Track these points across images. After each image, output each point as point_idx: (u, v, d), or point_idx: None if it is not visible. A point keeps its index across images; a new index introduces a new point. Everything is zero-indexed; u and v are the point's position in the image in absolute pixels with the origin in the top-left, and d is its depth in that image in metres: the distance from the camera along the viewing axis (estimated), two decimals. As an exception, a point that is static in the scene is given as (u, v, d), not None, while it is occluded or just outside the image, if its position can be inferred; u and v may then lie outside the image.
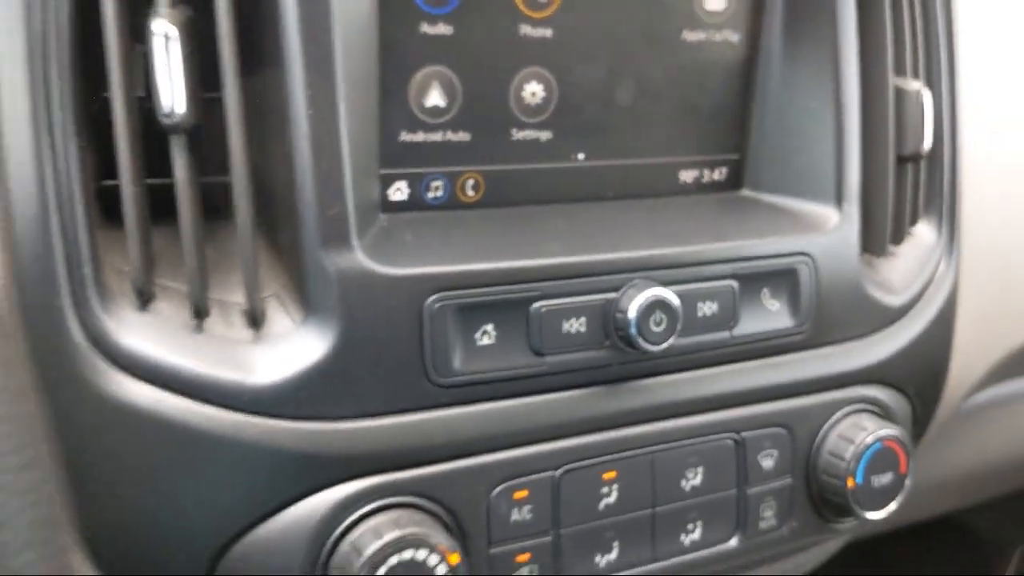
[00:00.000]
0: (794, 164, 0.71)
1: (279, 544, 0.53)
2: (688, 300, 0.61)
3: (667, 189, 0.70)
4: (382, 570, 0.52)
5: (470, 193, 0.63)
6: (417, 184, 0.61)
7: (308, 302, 0.53)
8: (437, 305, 0.55)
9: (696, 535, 0.65)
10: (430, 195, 0.62)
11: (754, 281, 0.65)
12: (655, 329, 0.58)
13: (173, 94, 0.49)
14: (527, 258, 0.58)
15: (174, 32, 0.49)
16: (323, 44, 0.52)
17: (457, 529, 0.57)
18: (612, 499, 0.62)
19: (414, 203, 0.61)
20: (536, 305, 0.57)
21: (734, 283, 0.63)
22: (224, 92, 0.51)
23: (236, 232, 0.52)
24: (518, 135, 0.63)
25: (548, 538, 0.60)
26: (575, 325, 0.58)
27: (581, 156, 0.66)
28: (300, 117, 0.52)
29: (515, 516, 0.59)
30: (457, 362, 0.56)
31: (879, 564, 1.43)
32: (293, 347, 0.53)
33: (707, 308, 0.62)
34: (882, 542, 1.19)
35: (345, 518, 0.54)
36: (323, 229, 0.52)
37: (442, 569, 0.54)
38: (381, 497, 0.55)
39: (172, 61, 0.49)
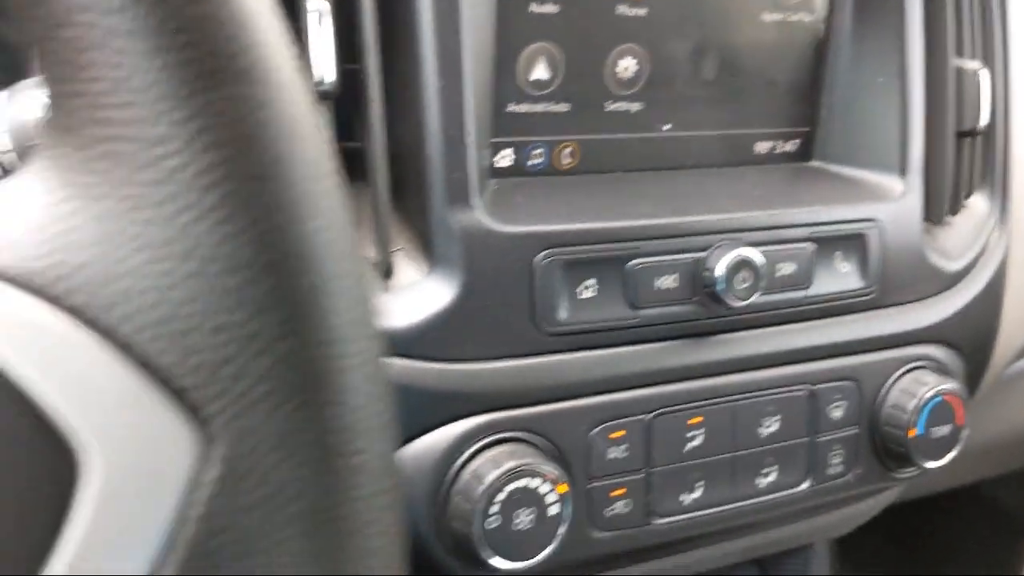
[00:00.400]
0: (861, 137, 0.76)
1: (408, 473, 0.59)
2: (769, 260, 0.66)
3: (743, 159, 0.75)
4: (500, 496, 0.58)
5: (566, 161, 0.68)
6: (520, 152, 0.67)
7: (434, 256, 0.59)
8: (546, 261, 0.60)
9: (771, 478, 0.71)
10: (531, 162, 0.67)
11: (827, 244, 0.70)
12: (740, 286, 0.64)
13: (324, 65, 0.55)
14: (624, 219, 0.63)
15: (326, 7, 0.54)
16: (452, 23, 0.57)
17: (561, 464, 0.62)
18: (697, 443, 0.67)
19: (516, 169, 0.67)
20: (632, 262, 0.63)
21: (810, 246, 0.69)
22: (365, 64, 0.56)
23: (367, 194, 0.58)
24: (611, 107, 0.69)
25: (640, 476, 0.66)
26: (667, 281, 0.64)
27: (668, 127, 0.71)
28: (431, 89, 0.57)
29: (611, 454, 0.64)
30: (562, 313, 0.61)
31: (903, 536, 1.47)
32: (421, 296, 0.58)
33: (786, 268, 0.68)
34: (907, 513, 1.23)
35: (465, 450, 0.59)
36: (449, 190, 0.58)
37: (552, 497, 0.60)
38: (497, 432, 0.60)
39: (324, 34, 0.55)
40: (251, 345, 0.24)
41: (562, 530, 0.61)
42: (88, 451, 0.23)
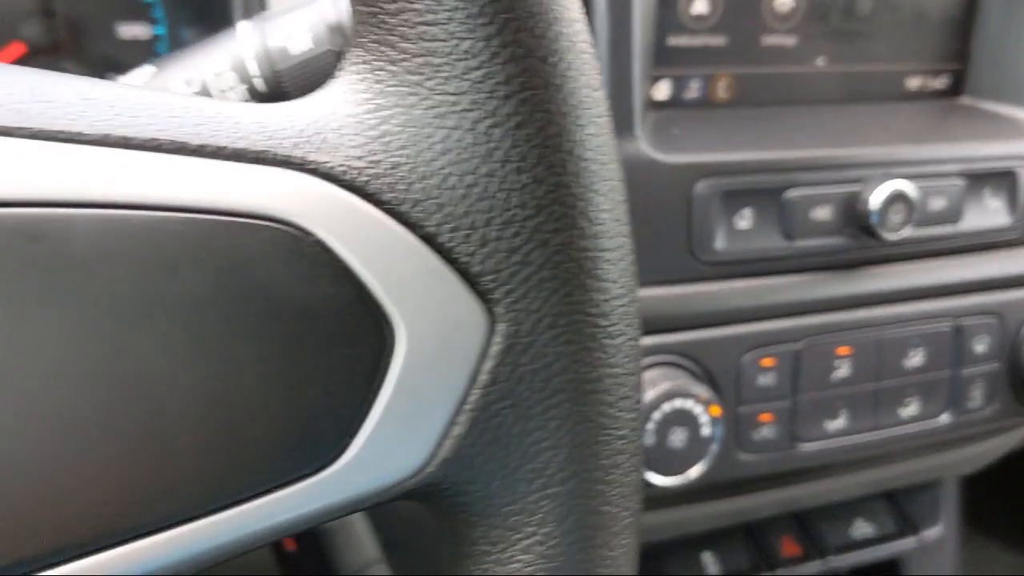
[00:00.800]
0: (1012, 74, 0.76)
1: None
2: (921, 195, 0.67)
3: (894, 95, 0.75)
4: (656, 415, 0.61)
5: (722, 94, 0.70)
6: (678, 84, 0.68)
7: (598, 183, 0.61)
8: (704, 190, 0.62)
9: (912, 410, 0.72)
10: (687, 95, 0.69)
11: (977, 181, 0.70)
12: (894, 219, 0.65)
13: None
14: (780, 151, 0.65)
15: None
16: (624, -46, 0.59)
17: (712, 387, 0.65)
18: (843, 372, 0.69)
19: (673, 102, 0.69)
20: (788, 193, 0.64)
21: (961, 181, 0.69)
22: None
23: None
24: (768, 40, 0.70)
25: (787, 402, 0.68)
26: (822, 213, 0.65)
27: (822, 61, 0.72)
28: (602, 21, 0.59)
29: (761, 380, 0.66)
30: (718, 242, 0.63)
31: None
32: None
33: (936, 203, 0.68)
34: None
35: (624, 370, 0.62)
36: (613, 120, 0.60)
37: (705, 418, 0.62)
38: (653, 354, 0.63)
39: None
40: (534, 237, 0.27)
41: (712, 449, 0.64)
42: (396, 324, 0.26)
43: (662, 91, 0.68)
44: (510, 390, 0.27)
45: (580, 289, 0.27)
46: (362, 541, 0.47)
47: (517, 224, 0.27)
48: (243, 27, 0.40)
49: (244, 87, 0.40)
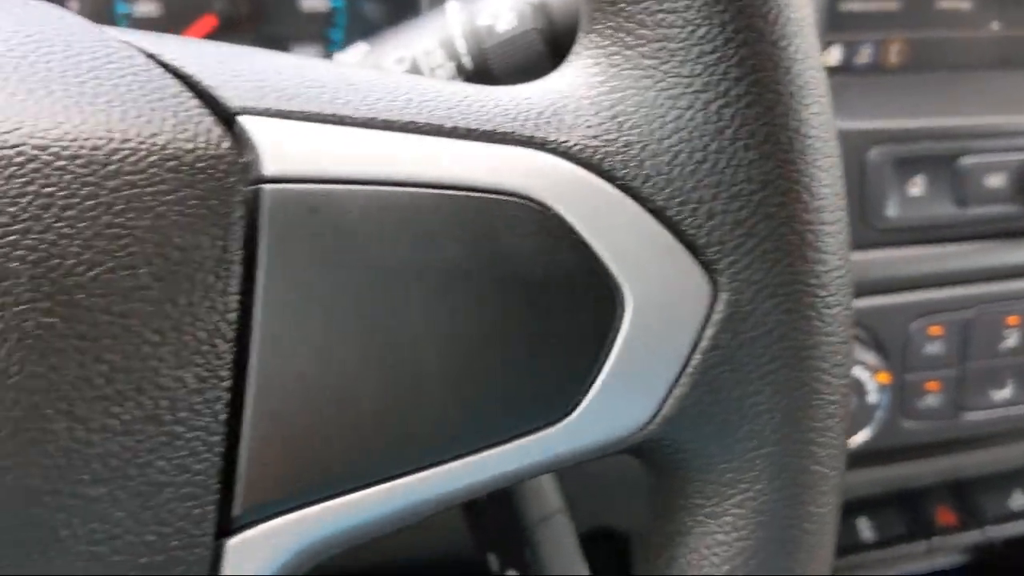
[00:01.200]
0: None
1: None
2: (1100, 162, 0.65)
3: (1073, 59, 0.73)
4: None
5: (894, 59, 0.69)
6: (849, 49, 0.68)
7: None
8: (876, 157, 0.62)
9: (1083, 381, 0.71)
10: (858, 60, 0.68)
11: None
12: (1071, 187, 0.64)
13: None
14: (953, 117, 0.64)
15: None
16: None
17: (880, 354, 0.65)
18: (1012, 341, 0.68)
19: (844, 67, 0.68)
20: (962, 160, 0.64)
21: None
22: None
23: None
24: (942, 4, 0.69)
25: (954, 370, 0.67)
26: (995, 180, 0.65)
27: (996, 25, 0.70)
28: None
29: (928, 348, 0.66)
30: (890, 209, 0.63)
31: None
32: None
33: (1115, 171, 0.67)
34: None
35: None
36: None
37: (872, 385, 0.63)
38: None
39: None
40: (759, 211, 0.29)
41: (878, 416, 0.64)
42: (625, 292, 0.29)
43: (833, 56, 0.68)
44: (730, 355, 0.29)
45: (801, 260, 0.29)
46: (547, 492, 0.50)
47: (743, 198, 0.28)
48: (452, 6, 0.43)
49: (452, 64, 0.42)
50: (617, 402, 0.29)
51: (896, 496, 0.83)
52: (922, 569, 0.82)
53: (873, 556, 0.78)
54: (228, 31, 0.73)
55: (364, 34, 0.71)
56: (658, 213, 0.29)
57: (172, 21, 0.70)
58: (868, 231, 0.63)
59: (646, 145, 0.28)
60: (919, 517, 0.83)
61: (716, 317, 0.29)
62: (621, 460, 0.33)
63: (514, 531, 0.49)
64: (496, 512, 0.51)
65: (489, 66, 0.42)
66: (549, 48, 0.42)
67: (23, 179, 0.23)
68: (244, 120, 0.27)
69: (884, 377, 0.63)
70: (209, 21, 0.73)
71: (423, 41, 0.43)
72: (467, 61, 0.42)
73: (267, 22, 0.74)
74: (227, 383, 0.25)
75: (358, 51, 0.44)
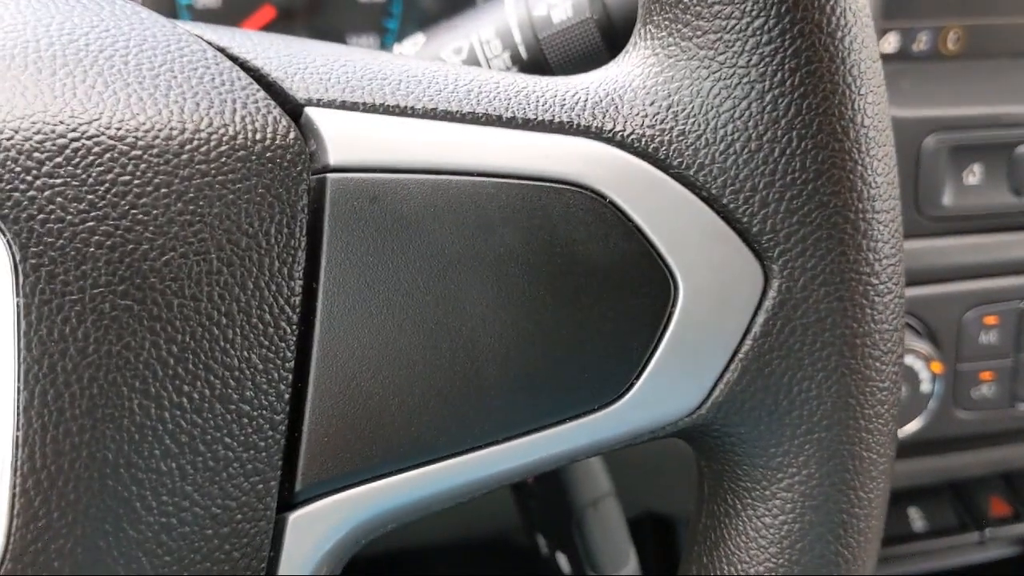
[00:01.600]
0: None
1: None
2: None
3: None
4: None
5: (951, 46, 0.68)
6: (906, 36, 0.67)
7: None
8: (933, 145, 0.62)
9: None
10: (915, 48, 0.68)
11: None
12: None
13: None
14: (1011, 105, 0.63)
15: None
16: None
17: (933, 344, 0.65)
18: (1069, 332, 0.68)
19: (901, 55, 0.68)
20: (1020, 148, 0.63)
21: None
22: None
23: None
24: (1001, -9, 0.68)
25: (1009, 360, 0.67)
26: (1054, 169, 0.64)
27: (1058, 11, 0.69)
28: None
29: (983, 338, 0.66)
30: (946, 197, 0.63)
31: None
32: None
33: None
34: None
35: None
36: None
37: (925, 374, 0.62)
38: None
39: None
40: (813, 200, 0.29)
41: (931, 406, 0.64)
42: (678, 279, 0.29)
43: (890, 44, 0.67)
44: (781, 342, 0.30)
45: (854, 249, 0.29)
46: (597, 475, 0.50)
47: (797, 187, 0.29)
48: (509, -3, 0.44)
49: (508, 54, 0.43)
50: (669, 386, 0.30)
51: (948, 486, 0.82)
52: (974, 560, 0.81)
53: (925, 546, 0.78)
54: (285, 22, 0.74)
55: (419, 24, 0.72)
56: (712, 202, 0.29)
57: (231, 12, 0.71)
58: (923, 220, 0.63)
59: (701, 135, 0.29)
60: (971, 507, 0.82)
61: (768, 304, 0.30)
62: (667, 445, 0.33)
63: (564, 513, 0.50)
64: (546, 494, 0.51)
65: (544, 56, 0.43)
66: (604, 38, 0.42)
67: (101, 168, 0.25)
68: (310, 111, 0.28)
69: (937, 367, 0.63)
70: (267, 12, 0.74)
71: (480, 31, 0.44)
72: (523, 51, 0.43)
73: (323, 13, 0.75)
74: (291, 364, 0.26)
75: (415, 41, 0.45)
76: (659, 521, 0.78)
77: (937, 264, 0.64)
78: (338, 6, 0.75)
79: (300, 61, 0.29)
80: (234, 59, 0.28)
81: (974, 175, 0.63)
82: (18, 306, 0.23)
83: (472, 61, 0.44)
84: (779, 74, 0.28)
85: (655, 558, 0.82)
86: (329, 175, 0.27)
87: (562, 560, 0.51)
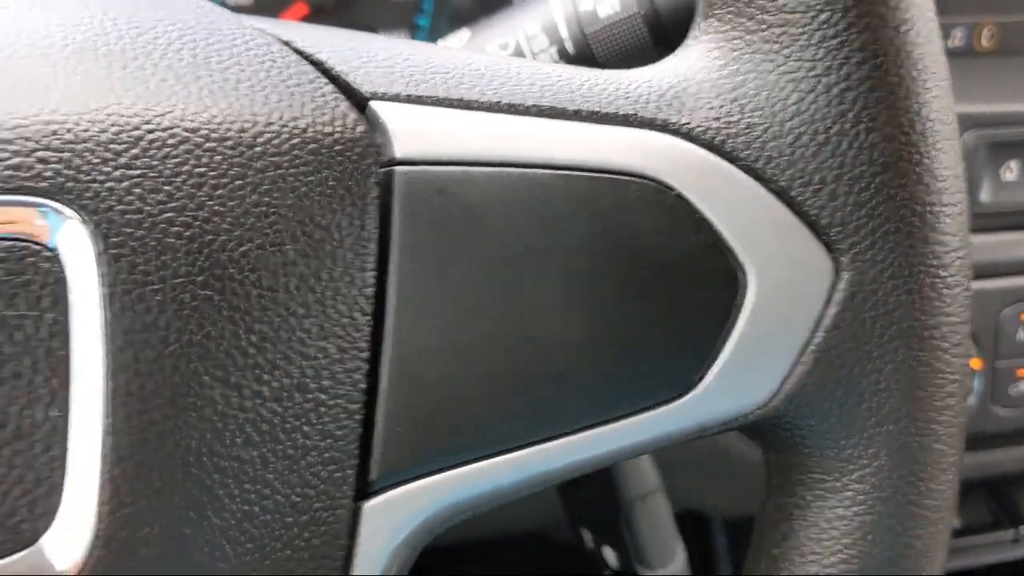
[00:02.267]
0: None
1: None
2: None
3: None
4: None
5: (986, 43, 0.68)
6: (940, 33, 0.67)
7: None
8: (970, 141, 0.62)
9: None
10: (950, 44, 0.68)
11: None
12: None
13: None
14: (1049, 102, 0.63)
15: None
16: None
17: (971, 340, 0.65)
18: (1107, 329, 0.67)
19: (935, 51, 0.68)
20: (1058, 145, 0.63)
21: None
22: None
23: None
24: (1036, -14, 0.68)
25: (1047, 358, 0.67)
26: (1092, 165, 0.64)
27: (1095, 7, 0.69)
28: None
29: (1020, 335, 0.66)
30: (984, 194, 0.63)
31: None
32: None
33: None
34: None
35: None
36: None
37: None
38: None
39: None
40: (881, 192, 0.29)
41: (969, 402, 0.63)
42: (748, 271, 0.29)
43: (924, 41, 0.67)
44: (852, 334, 0.30)
45: (923, 242, 0.29)
46: (646, 470, 0.50)
47: (865, 180, 0.29)
48: (555, -9, 0.43)
49: (554, 49, 0.43)
50: (740, 379, 0.30)
51: (982, 483, 0.82)
52: (1008, 557, 0.81)
53: (959, 543, 0.78)
54: (317, 18, 0.74)
55: (450, 21, 0.72)
56: (781, 194, 0.29)
57: (263, 9, 0.71)
58: (960, 216, 0.63)
59: (768, 127, 0.29)
60: (1007, 505, 0.82)
61: (838, 296, 0.30)
62: (711, 443, 0.33)
63: (611, 508, 0.50)
64: (593, 488, 0.51)
65: (591, 51, 0.43)
66: (652, 34, 0.42)
67: (177, 159, 0.25)
68: (375, 105, 0.28)
69: (975, 363, 0.62)
70: (299, 8, 0.74)
71: (526, 26, 0.44)
72: (569, 46, 0.43)
73: (354, 9, 0.75)
74: (365, 354, 0.26)
75: (461, 37, 0.45)
76: (694, 519, 0.78)
77: (975, 261, 0.64)
78: (369, 3, 0.75)
79: (363, 55, 0.29)
80: (299, 52, 0.29)
81: (1011, 171, 0.63)
82: (103, 296, 0.23)
83: (518, 56, 0.43)
84: (845, 67, 0.28)
85: (689, 555, 0.82)
86: (396, 168, 0.27)
87: (609, 554, 0.51)
